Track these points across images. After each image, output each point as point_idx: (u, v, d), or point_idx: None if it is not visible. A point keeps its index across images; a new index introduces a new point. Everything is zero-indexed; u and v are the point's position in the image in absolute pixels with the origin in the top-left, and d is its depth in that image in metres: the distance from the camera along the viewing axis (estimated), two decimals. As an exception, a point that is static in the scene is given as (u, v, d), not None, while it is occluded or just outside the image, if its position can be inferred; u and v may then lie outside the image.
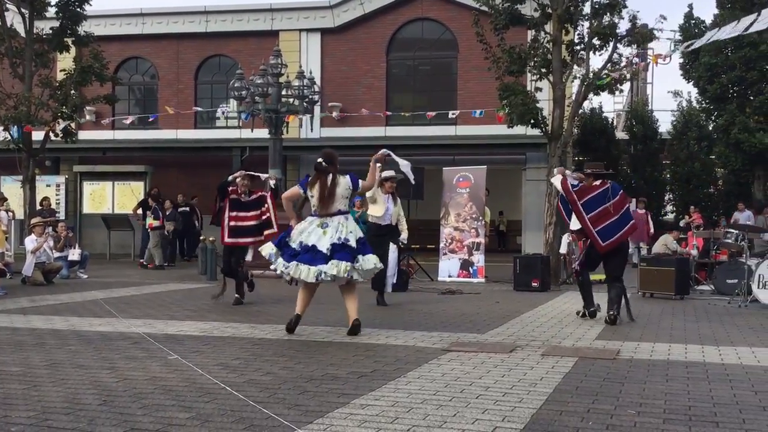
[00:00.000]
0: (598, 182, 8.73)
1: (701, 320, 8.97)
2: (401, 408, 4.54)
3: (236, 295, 10.11)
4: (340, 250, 7.11)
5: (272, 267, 7.49)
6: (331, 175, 7.31)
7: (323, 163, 7.34)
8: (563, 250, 14.04)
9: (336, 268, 7.03)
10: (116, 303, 10.13)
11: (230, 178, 10.05)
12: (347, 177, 7.43)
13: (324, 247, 7.11)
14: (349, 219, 7.39)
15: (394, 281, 10.98)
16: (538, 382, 5.28)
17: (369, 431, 4.05)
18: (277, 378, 5.37)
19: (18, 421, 4.19)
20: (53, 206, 19.22)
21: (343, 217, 7.31)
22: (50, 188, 20.89)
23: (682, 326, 8.41)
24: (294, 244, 7.24)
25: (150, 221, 17.45)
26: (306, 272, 7.06)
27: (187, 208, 19.57)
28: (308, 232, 7.24)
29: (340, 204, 7.32)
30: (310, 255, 7.10)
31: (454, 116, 20.18)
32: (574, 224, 8.91)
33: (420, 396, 4.84)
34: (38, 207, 17.41)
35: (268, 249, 7.50)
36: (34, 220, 14.25)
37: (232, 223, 9.93)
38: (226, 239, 10.00)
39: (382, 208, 10.24)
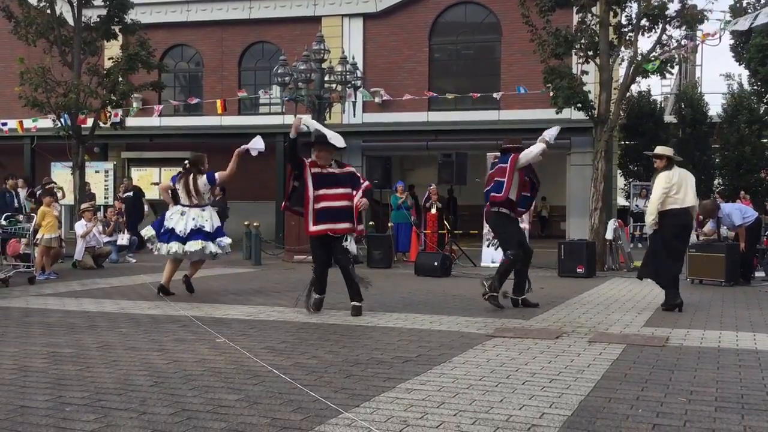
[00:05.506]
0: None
1: (752, 307, 8.78)
2: (447, 393, 4.53)
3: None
4: (195, 234, 8.97)
5: (152, 249, 9.41)
6: (192, 174, 9.17)
7: (186, 165, 9.35)
8: (609, 236, 13.84)
9: (193, 246, 8.92)
10: (164, 287, 10.28)
11: (293, 134, 7.75)
12: (204, 176, 9.19)
13: (179, 230, 8.99)
14: (206, 210, 9.19)
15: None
16: (586, 369, 5.23)
17: (415, 415, 4.05)
18: (322, 362, 5.41)
19: (72, 402, 4.29)
20: (92, 191, 19.43)
21: (200, 209, 9.13)
22: (99, 174, 21.27)
23: (732, 313, 8.24)
24: (162, 228, 9.15)
25: None
26: (165, 249, 9.05)
27: (130, 193, 17.70)
28: (169, 218, 9.12)
29: (200, 198, 9.17)
30: (167, 236, 9.05)
31: (498, 97, 20.01)
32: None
33: (466, 381, 4.83)
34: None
35: (148, 232, 9.31)
36: (83, 206, 14.56)
37: (320, 205, 7.72)
38: (313, 227, 7.72)
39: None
